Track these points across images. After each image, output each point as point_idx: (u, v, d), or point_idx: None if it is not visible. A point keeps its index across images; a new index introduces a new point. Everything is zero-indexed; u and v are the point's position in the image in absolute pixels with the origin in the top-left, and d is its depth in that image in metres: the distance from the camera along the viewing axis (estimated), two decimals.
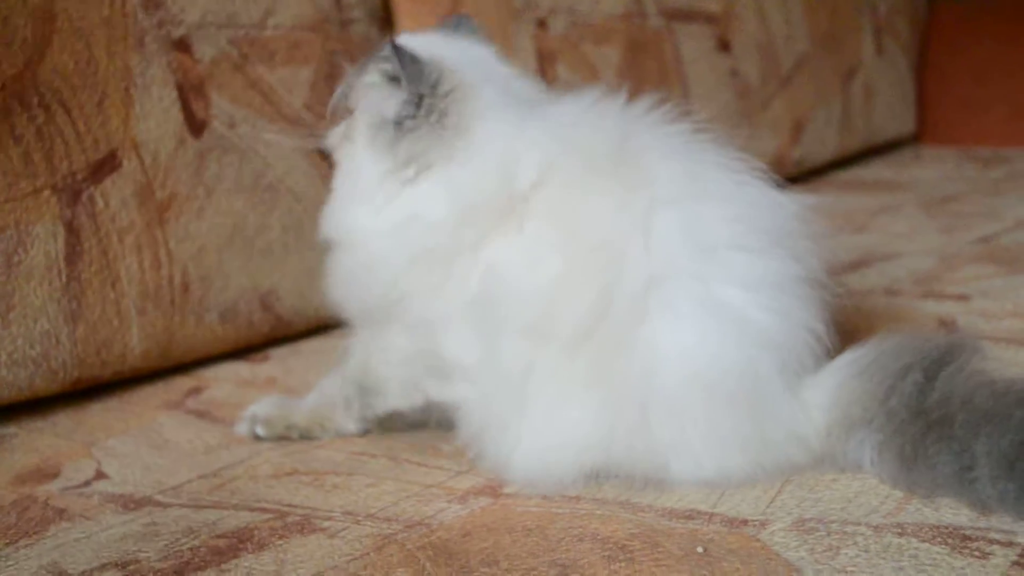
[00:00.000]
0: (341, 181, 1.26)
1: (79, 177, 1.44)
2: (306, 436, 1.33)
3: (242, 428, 1.35)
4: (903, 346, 1.16)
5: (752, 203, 1.16)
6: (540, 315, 1.13)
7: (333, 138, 1.28)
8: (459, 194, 1.17)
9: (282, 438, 1.33)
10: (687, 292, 1.11)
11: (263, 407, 1.35)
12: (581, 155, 1.16)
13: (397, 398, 1.27)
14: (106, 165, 1.47)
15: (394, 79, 1.18)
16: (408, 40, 1.23)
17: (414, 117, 1.18)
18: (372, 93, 1.20)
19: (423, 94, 1.17)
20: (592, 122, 1.19)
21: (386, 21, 1.84)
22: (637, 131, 1.18)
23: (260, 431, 1.33)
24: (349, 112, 1.25)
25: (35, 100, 1.41)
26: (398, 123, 1.18)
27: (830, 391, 1.14)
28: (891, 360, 1.14)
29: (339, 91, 1.27)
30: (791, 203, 1.18)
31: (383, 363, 1.26)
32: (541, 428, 1.13)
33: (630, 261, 1.11)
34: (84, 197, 1.44)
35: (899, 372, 1.12)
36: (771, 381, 1.12)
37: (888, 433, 1.09)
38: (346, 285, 1.25)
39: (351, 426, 1.31)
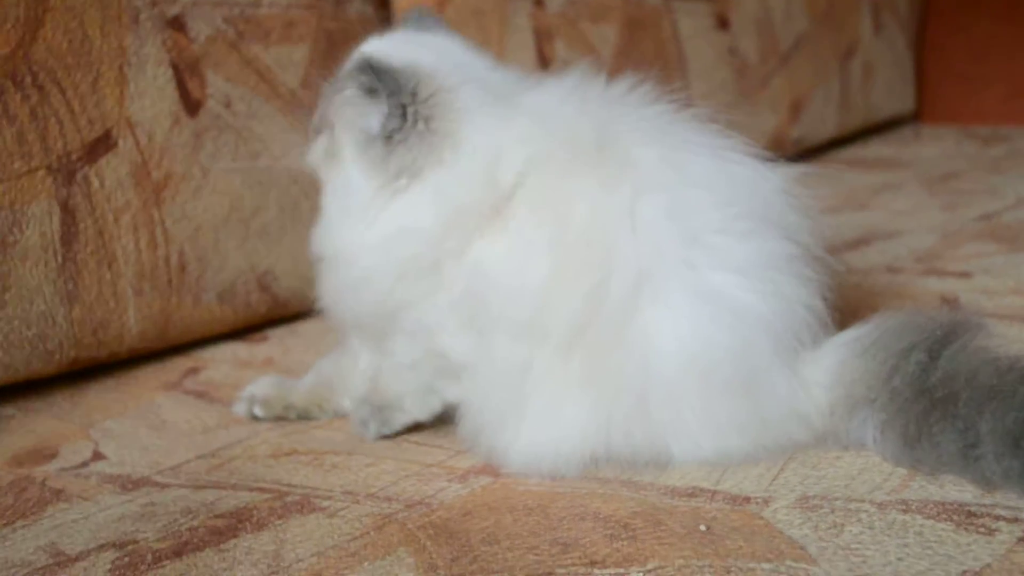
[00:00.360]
0: (332, 199, 1.22)
1: (74, 157, 1.43)
2: (304, 416, 1.32)
3: (240, 408, 1.34)
4: (906, 325, 1.15)
5: (738, 184, 1.14)
6: (531, 316, 1.11)
7: (315, 155, 1.25)
8: (446, 199, 1.15)
9: (280, 418, 1.32)
10: (678, 281, 1.10)
11: (261, 387, 1.34)
12: (562, 147, 1.14)
13: (416, 410, 1.23)
14: (101, 145, 1.45)
15: (372, 92, 1.15)
16: (378, 47, 1.20)
17: (401, 129, 1.15)
18: (351, 109, 1.18)
19: (405, 103, 1.15)
20: (571, 111, 1.17)
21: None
22: (617, 117, 1.16)
23: (258, 411, 1.32)
24: (330, 128, 1.22)
25: (28, 79, 1.39)
26: (387, 137, 1.16)
27: (832, 369, 1.13)
28: (894, 339, 1.13)
29: (318, 108, 1.24)
30: (778, 178, 1.16)
31: (394, 379, 1.23)
32: (538, 425, 1.12)
33: (619, 254, 1.10)
34: (79, 177, 1.43)
35: (902, 352, 1.11)
36: (767, 362, 1.11)
37: (891, 412, 1.08)
38: (340, 299, 1.22)
39: (368, 438, 1.26)
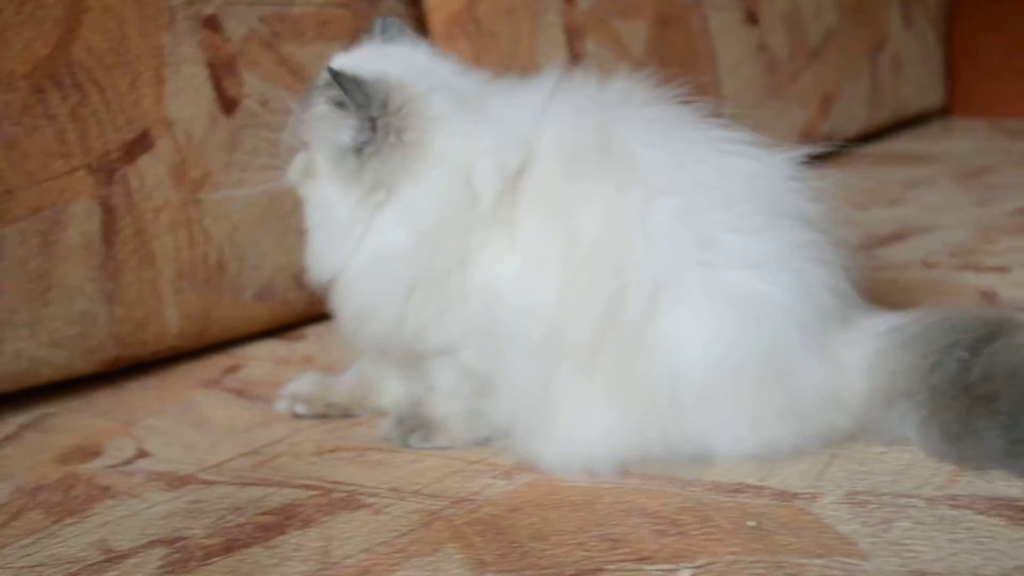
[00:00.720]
0: (315, 219, 1.21)
1: (113, 156, 1.43)
2: (346, 414, 1.32)
3: (281, 406, 1.34)
4: (950, 320, 1.14)
5: (746, 178, 1.14)
6: (547, 333, 1.11)
7: (293, 174, 1.23)
8: (420, 213, 1.14)
9: (322, 416, 1.32)
10: (696, 283, 1.09)
11: (302, 385, 1.34)
12: (560, 152, 1.13)
13: (461, 433, 1.21)
14: (140, 144, 1.46)
15: (342, 105, 1.15)
16: (346, 61, 1.19)
17: (372, 141, 1.14)
18: (323, 124, 1.17)
19: (375, 116, 1.14)
20: (561, 114, 1.16)
21: None
22: (619, 118, 1.15)
23: (300, 409, 1.32)
24: (304, 146, 1.20)
25: (68, 79, 1.40)
26: (358, 150, 1.15)
27: (870, 356, 1.13)
28: (938, 334, 1.12)
29: (289, 127, 1.23)
30: (787, 167, 1.16)
31: (436, 404, 1.22)
32: (566, 437, 1.12)
33: (634, 261, 1.09)
34: (118, 176, 1.44)
35: (945, 348, 1.10)
36: (797, 350, 1.11)
37: (931, 409, 1.08)
38: (356, 327, 1.21)
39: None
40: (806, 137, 2.35)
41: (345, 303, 1.20)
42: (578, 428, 1.11)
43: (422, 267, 1.15)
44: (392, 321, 1.17)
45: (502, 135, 1.15)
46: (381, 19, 1.28)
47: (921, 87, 2.66)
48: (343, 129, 1.15)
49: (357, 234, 1.16)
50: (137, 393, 1.45)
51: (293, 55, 1.62)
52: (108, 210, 1.43)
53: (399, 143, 1.14)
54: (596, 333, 1.09)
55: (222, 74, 1.55)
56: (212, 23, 1.54)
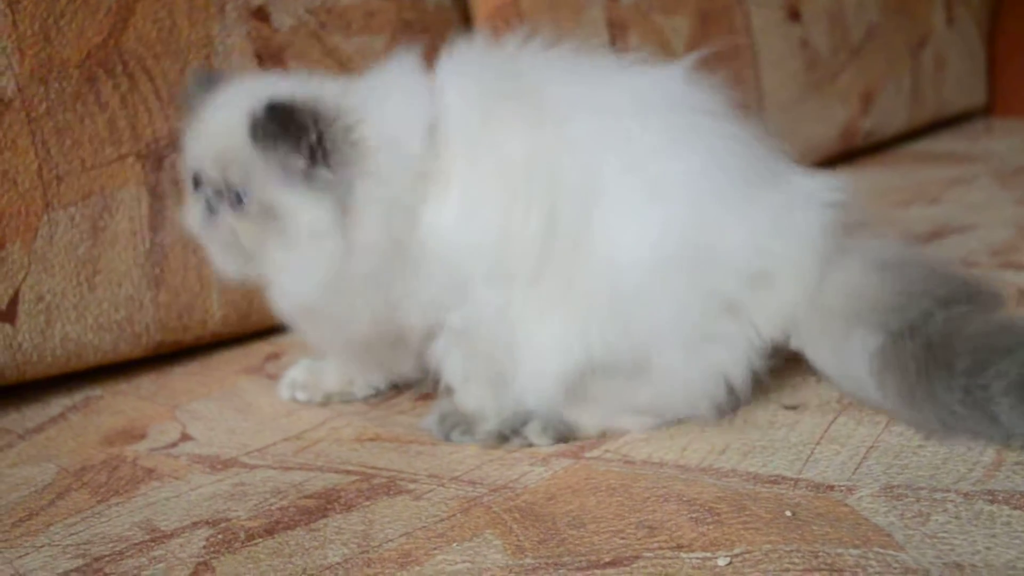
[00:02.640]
0: (295, 252, 1.18)
1: (162, 144, 1.46)
2: (346, 399, 1.35)
3: (284, 393, 1.36)
4: (931, 268, 1.21)
5: (646, 89, 1.20)
6: (495, 264, 1.16)
7: (250, 241, 1.19)
8: (380, 202, 1.17)
9: (323, 404, 1.34)
10: (620, 183, 1.15)
11: (299, 372, 1.37)
12: (469, 100, 1.18)
13: (495, 421, 1.22)
14: None
15: (283, 133, 1.15)
16: (255, 103, 1.17)
17: (324, 150, 1.16)
18: (273, 158, 1.16)
19: (320, 130, 1.15)
20: (456, 71, 1.21)
21: None
22: (516, 66, 1.21)
23: (300, 396, 1.35)
24: (250, 202, 1.18)
25: (119, 68, 1.42)
26: (312, 161, 1.15)
27: (821, 225, 1.19)
28: (914, 276, 1.18)
29: (204, 202, 1.21)
30: (680, 73, 1.22)
31: (464, 397, 1.24)
32: (530, 350, 1.17)
33: (561, 177, 1.15)
34: (167, 164, 1.46)
35: (916, 294, 1.15)
36: (721, 215, 1.16)
37: (888, 358, 1.13)
38: (338, 326, 1.24)
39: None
40: (847, 134, 2.35)
41: (330, 307, 1.21)
42: (534, 339, 1.16)
43: (388, 247, 1.17)
44: (376, 310, 1.20)
45: (407, 99, 1.20)
46: (192, 73, 1.31)
47: (963, 86, 2.65)
48: (292, 153, 1.15)
49: (339, 240, 1.16)
50: (180, 378, 1.47)
51: (339, 46, 1.63)
52: (156, 197, 1.45)
53: (345, 148, 1.16)
54: (539, 252, 1.15)
55: (269, 64, 1.56)
56: (260, 14, 1.56)
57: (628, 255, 1.14)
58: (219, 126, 1.20)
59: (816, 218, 1.20)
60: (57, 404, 1.39)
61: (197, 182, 1.22)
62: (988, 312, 1.16)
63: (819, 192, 1.22)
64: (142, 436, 1.29)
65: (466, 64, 1.23)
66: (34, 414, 1.37)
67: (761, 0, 2.23)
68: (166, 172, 1.45)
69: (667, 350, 1.16)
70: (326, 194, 1.16)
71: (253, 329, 1.57)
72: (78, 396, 1.42)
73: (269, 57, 1.56)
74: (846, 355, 1.17)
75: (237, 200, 1.18)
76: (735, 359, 1.18)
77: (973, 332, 1.11)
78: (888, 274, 1.18)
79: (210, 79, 1.26)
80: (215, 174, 1.19)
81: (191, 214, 1.24)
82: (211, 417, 1.34)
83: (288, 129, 1.15)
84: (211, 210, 1.20)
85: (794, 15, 2.28)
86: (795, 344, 1.21)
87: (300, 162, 1.15)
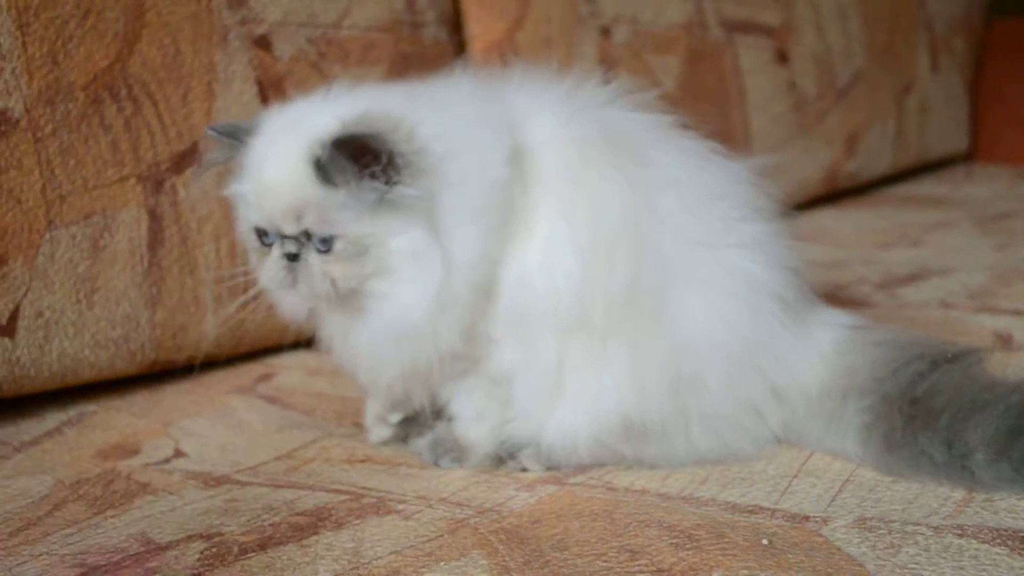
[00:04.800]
0: (398, 275, 1.15)
1: (163, 167, 1.49)
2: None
3: (427, 458, 1.29)
4: (922, 338, 1.30)
5: (724, 179, 1.25)
6: (568, 312, 1.17)
7: (349, 281, 1.15)
8: (473, 217, 1.15)
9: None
10: (701, 262, 1.19)
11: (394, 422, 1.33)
12: (567, 141, 1.19)
13: (489, 457, 1.25)
14: (188, 156, 1.52)
15: (372, 163, 1.11)
16: (331, 132, 1.12)
17: (399, 177, 1.12)
18: (369, 195, 1.12)
19: (401, 151, 1.12)
20: (548, 107, 1.21)
21: (456, 24, 1.89)
22: (614, 117, 1.22)
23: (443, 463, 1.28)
24: (323, 238, 1.14)
25: (124, 92, 1.46)
26: (387, 195, 1.12)
27: (837, 343, 1.26)
28: (908, 345, 1.25)
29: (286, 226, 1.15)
30: (747, 172, 1.26)
31: (466, 430, 1.25)
32: (576, 397, 1.19)
33: (648, 244, 1.18)
34: (167, 186, 1.49)
35: (910, 359, 1.22)
36: (778, 327, 1.23)
37: (878, 414, 1.19)
38: (400, 350, 1.19)
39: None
40: (831, 176, 2.40)
41: (435, 324, 1.16)
42: (589, 386, 1.19)
43: (482, 263, 1.16)
44: (452, 335, 1.17)
45: (489, 123, 1.19)
46: (216, 127, 1.23)
47: (946, 132, 2.70)
48: (367, 188, 1.12)
49: (437, 254, 1.14)
50: (174, 396, 1.50)
51: (338, 76, 1.66)
52: (155, 218, 1.48)
53: (412, 158, 1.12)
54: (617, 308, 1.17)
55: (270, 92, 1.60)
56: (263, 42, 1.60)
57: (696, 339, 1.18)
58: (280, 177, 1.14)
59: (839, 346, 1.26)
60: (53, 418, 1.42)
61: (262, 235, 1.17)
62: (970, 368, 1.23)
63: (842, 324, 1.29)
64: (136, 451, 1.32)
65: (544, 98, 1.22)
66: (30, 427, 1.40)
67: (750, 42, 2.28)
68: (166, 195, 1.49)
69: (696, 428, 1.21)
70: (413, 213, 1.12)
71: (246, 351, 1.60)
72: (73, 411, 1.44)
73: (270, 85, 1.60)
74: (834, 421, 1.22)
75: (322, 244, 1.14)
76: (744, 445, 1.23)
77: (955, 388, 1.18)
78: (883, 348, 1.25)
79: (232, 130, 1.21)
80: (290, 227, 1.14)
81: (267, 271, 1.17)
82: (204, 434, 1.37)
83: (357, 160, 1.11)
84: (291, 260, 1.15)
85: (782, 58, 2.33)
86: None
87: (377, 188, 1.12)
